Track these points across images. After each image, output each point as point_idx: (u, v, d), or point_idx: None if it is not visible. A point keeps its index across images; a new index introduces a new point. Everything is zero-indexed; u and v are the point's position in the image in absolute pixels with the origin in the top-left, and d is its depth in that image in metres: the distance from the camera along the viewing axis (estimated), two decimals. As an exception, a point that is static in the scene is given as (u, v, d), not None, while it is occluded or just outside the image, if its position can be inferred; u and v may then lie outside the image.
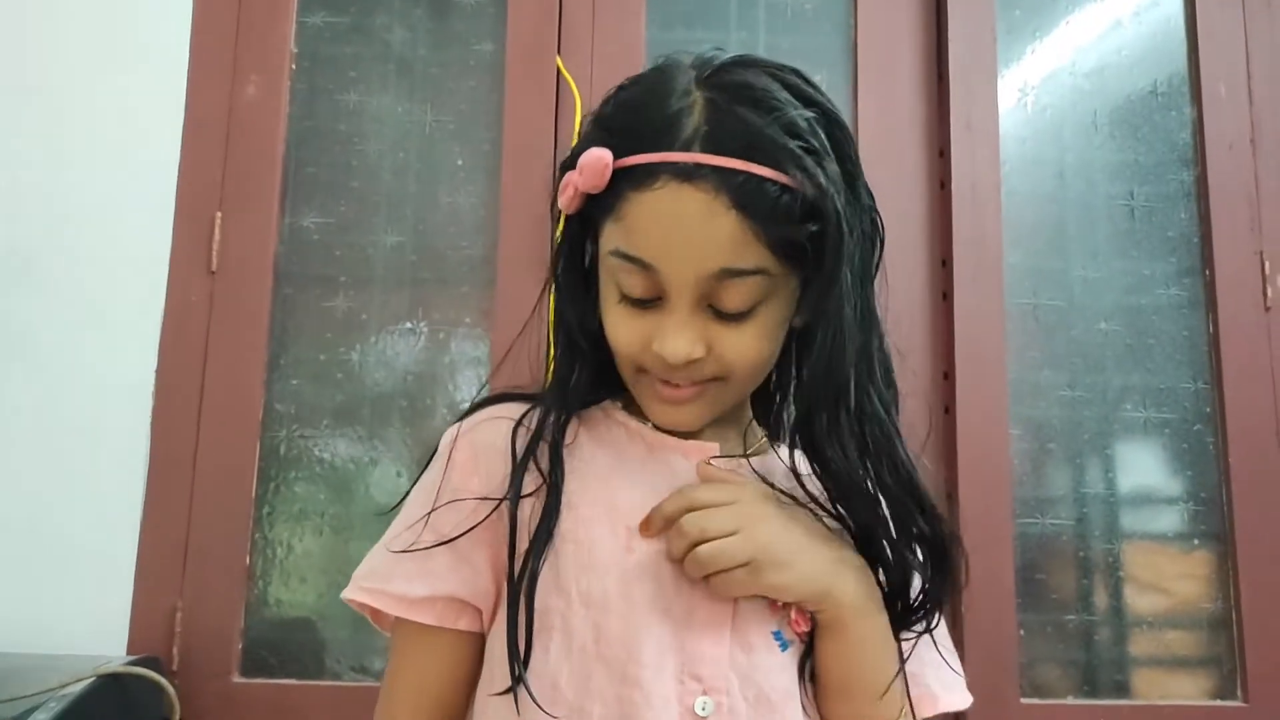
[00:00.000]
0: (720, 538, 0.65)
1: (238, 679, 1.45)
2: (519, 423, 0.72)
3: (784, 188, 0.64)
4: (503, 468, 0.71)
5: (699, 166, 0.64)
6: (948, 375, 1.57)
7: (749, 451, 0.74)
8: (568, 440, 0.73)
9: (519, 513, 0.69)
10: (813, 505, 0.71)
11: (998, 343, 1.57)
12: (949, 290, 1.58)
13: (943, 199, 1.62)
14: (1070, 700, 1.50)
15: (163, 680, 1.23)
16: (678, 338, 0.66)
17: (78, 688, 1.11)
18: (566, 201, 0.71)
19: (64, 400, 1.48)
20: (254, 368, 1.53)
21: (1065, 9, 1.69)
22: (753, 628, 0.68)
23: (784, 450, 0.75)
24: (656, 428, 0.74)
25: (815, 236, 0.66)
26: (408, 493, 0.76)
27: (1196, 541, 1.56)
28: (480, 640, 0.72)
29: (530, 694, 0.65)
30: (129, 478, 1.47)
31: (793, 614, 0.69)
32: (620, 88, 0.71)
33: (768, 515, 0.68)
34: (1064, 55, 1.68)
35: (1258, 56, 1.66)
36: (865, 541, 0.71)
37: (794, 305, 0.70)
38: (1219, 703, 1.51)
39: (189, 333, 1.52)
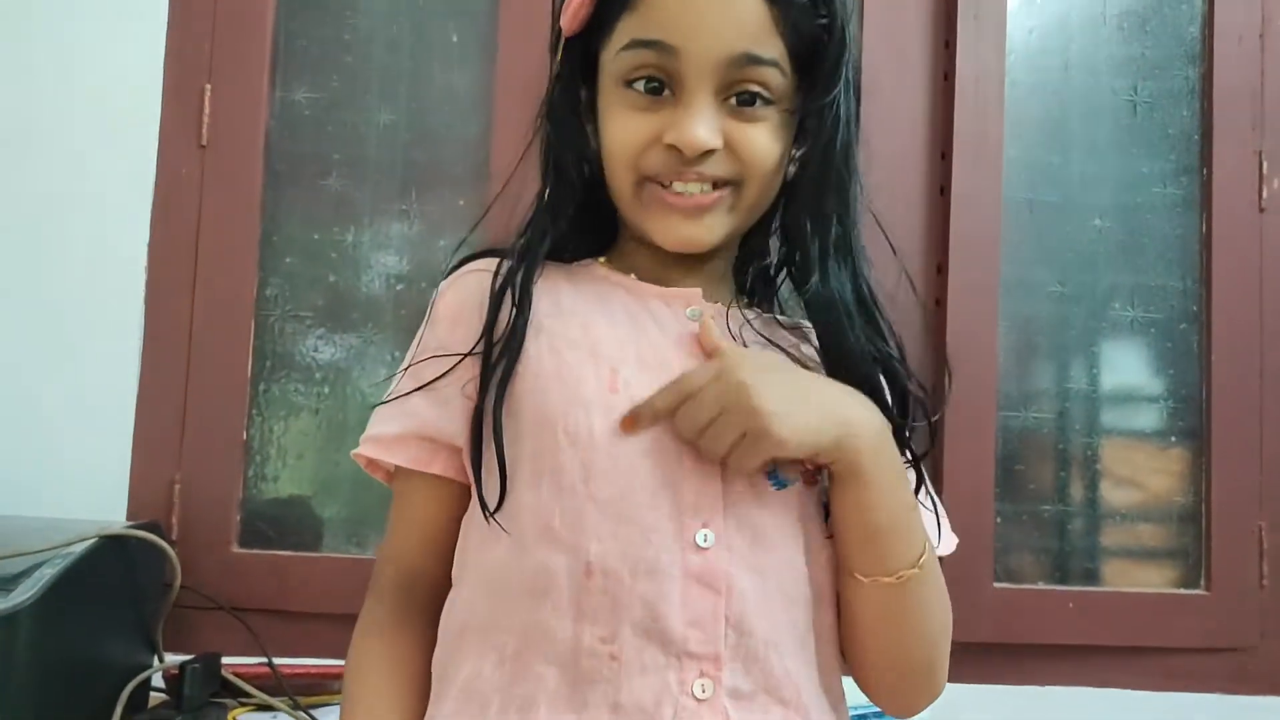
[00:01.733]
0: (714, 420, 0.65)
1: (236, 549, 1.49)
2: (498, 270, 0.73)
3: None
4: (482, 316, 0.71)
5: None
6: (941, 269, 1.58)
7: (731, 301, 0.75)
8: (546, 279, 0.73)
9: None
10: (796, 351, 0.73)
11: (993, 238, 1.57)
12: (946, 184, 1.58)
13: (946, 91, 1.60)
14: (1041, 585, 1.56)
15: (164, 544, 1.26)
16: (696, 123, 0.66)
17: (81, 547, 1.13)
18: (573, 13, 0.71)
19: (58, 273, 1.48)
20: (247, 244, 1.52)
21: (1081, -108, 1.64)
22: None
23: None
24: (639, 278, 0.74)
25: (822, 42, 0.69)
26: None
27: (1173, 439, 1.60)
28: (462, 489, 0.73)
29: (499, 525, 0.67)
30: (124, 351, 1.48)
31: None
32: None
33: (760, 375, 0.66)
34: (1076, -58, 1.63)
35: (1274, -51, 1.62)
36: (855, 379, 0.71)
37: (793, 132, 0.71)
38: (1183, 591, 1.57)
39: (181, 207, 1.51)
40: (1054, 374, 1.60)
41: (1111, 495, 1.59)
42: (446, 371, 0.72)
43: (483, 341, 0.71)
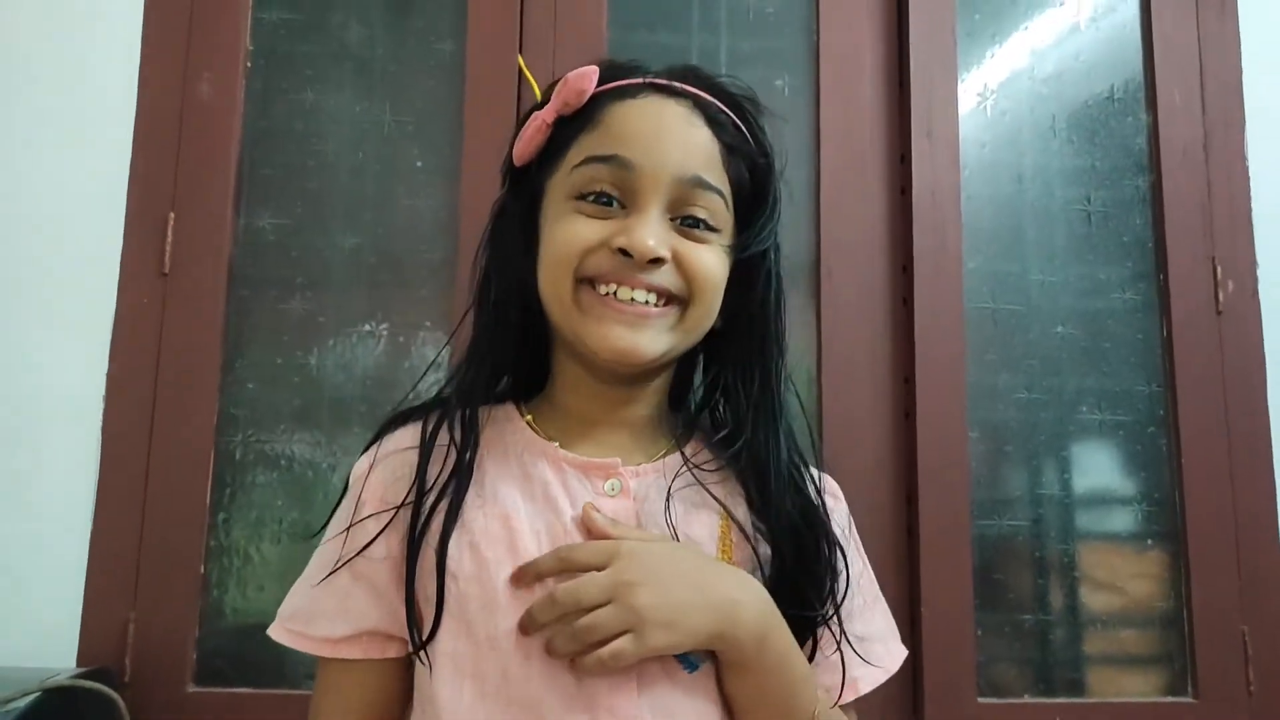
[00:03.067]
0: (596, 607, 0.64)
1: (192, 688, 1.43)
2: (425, 428, 0.72)
3: (740, 130, 0.72)
4: (411, 481, 0.70)
5: (682, 87, 0.72)
6: (908, 380, 1.58)
7: (655, 458, 0.73)
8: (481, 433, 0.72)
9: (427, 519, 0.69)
10: (725, 502, 0.71)
11: (958, 347, 1.58)
12: (909, 296, 1.59)
13: (903, 205, 1.63)
14: (1026, 699, 1.52)
15: (112, 693, 1.20)
16: (645, 231, 0.67)
17: (23, 703, 1.08)
18: (528, 139, 0.73)
19: (13, 405, 1.45)
20: (208, 372, 1.50)
21: (1024, 14, 1.71)
22: (655, 658, 0.66)
23: (692, 447, 0.74)
24: (563, 438, 0.72)
25: (761, 187, 0.73)
26: (328, 521, 0.75)
27: (1150, 541, 1.59)
28: (409, 662, 0.71)
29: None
30: (80, 485, 1.44)
31: None
32: None
33: (649, 565, 0.66)
34: (1023, 60, 1.70)
35: (1211, 65, 1.69)
36: (776, 529, 0.71)
37: (728, 271, 0.72)
38: (1170, 699, 1.54)
39: (141, 336, 1.49)
40: (1026, 480, 1.59)
41: (1092, 601, 1.57)
42: (365, 547, 0.70)
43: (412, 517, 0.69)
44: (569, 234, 0.69)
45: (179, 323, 1.50)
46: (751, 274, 0.74)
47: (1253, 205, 1.66)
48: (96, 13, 1.57)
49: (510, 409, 0.76)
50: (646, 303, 0.68)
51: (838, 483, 0.81)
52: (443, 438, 0.71)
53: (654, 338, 0.69)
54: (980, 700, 1.48)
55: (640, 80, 0.72)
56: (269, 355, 1.53)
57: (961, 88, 1.66)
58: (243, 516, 1.49)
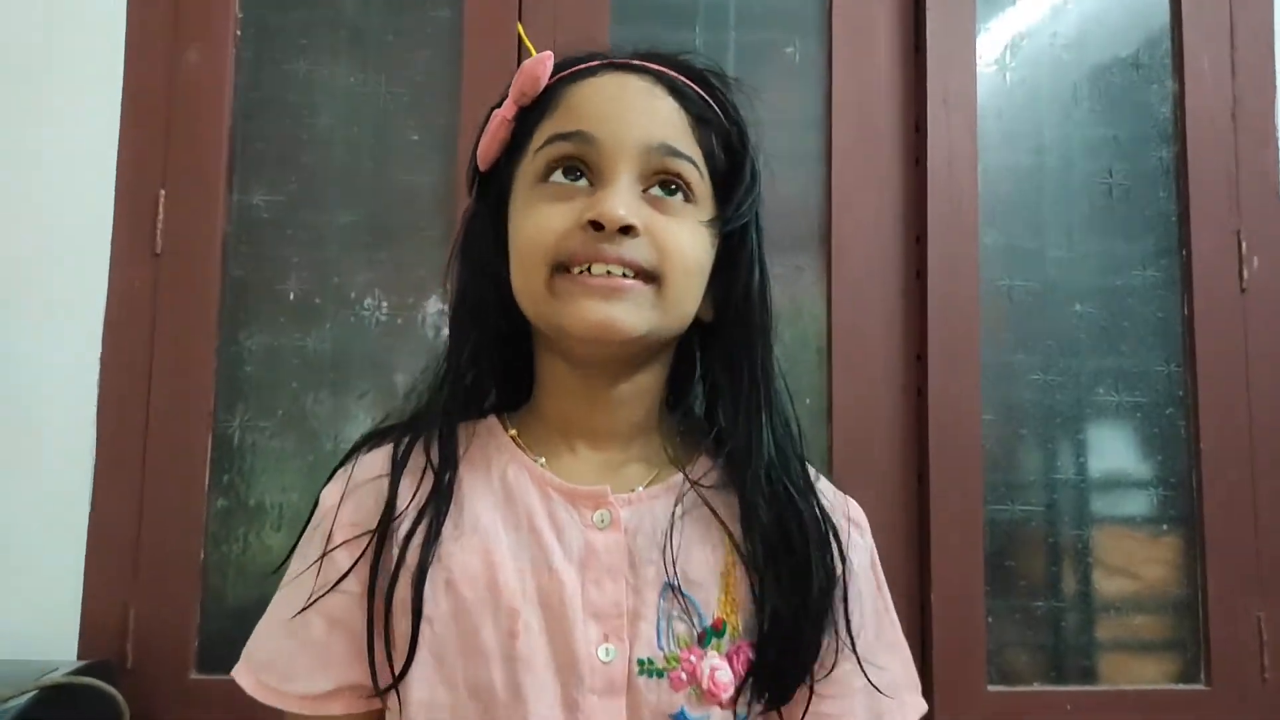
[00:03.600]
0: None
1: (195, 675, 1.42)
2: (398, 448, 0.67)
3: (707, 103, 0.69)
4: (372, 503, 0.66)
5: (640, 64, 0.69)
6: (920, 357, 1.54)
7: (648, 481, 0.68)
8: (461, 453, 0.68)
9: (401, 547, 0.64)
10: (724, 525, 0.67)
11: (972, 325, 1.54)
12: (922, 270, 1.54)
13: (918, 176, 1.57)
14: (1036, 687, 1.50)
15: (111, 690, 1.19)
16: (616, 200, 0.63)
17: (21, 701, 1.07)
18: (491, 137, 0.70)
19: (4, 393, 1.42)
20: (204, 355, 1.47)
21: (1047, -24, 1.63)
22: (648, 715, 0.63)
23: (699, 463, 0.69)
24: (549, 457, 0.68)
25: (735, 158, 0.69)
26: (290, 553, 0.70)
27: (1165, 526, 1.56)
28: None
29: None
30: (76, 472, 1.42)
31: (708, 676, 0.63)
32: None
33: None
34: (1043, 25, 1.62)
35: (1243, 28, 1.61)
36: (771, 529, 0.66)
37: (713, 251, 0.68)
38: (1182, 686, 1.51)
39: (134, 319, 1.46)
40: (1040, 463, 1.56)
41: (1105, 586, 1.55)
42: (337, 585, 0.65)
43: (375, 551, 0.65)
44: (538, 219, 0.65)
45: (173, 304, 1.47)
46: (735, 257, 0.69)
47: (1281, 177, 1.60)
48: (80, -20, 1.51)
49: (493, 423, 0.71)
50: (623, 275, 0.64)
51: (850, 470, 0.76)
52: (419, 459, 0.67)
53: (630, 310, 0.63)
54: (990, 689, 1.47)
55: (598, 62, 0.69)
56: (266, 337, 1.50)
57: (979, 54, 1.58)
58: (242, 501, 1.47)
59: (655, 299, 0.64)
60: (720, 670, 0.63)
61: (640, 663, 0.63)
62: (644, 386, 0.70)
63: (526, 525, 0.66)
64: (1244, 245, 1.57)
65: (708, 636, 0.64)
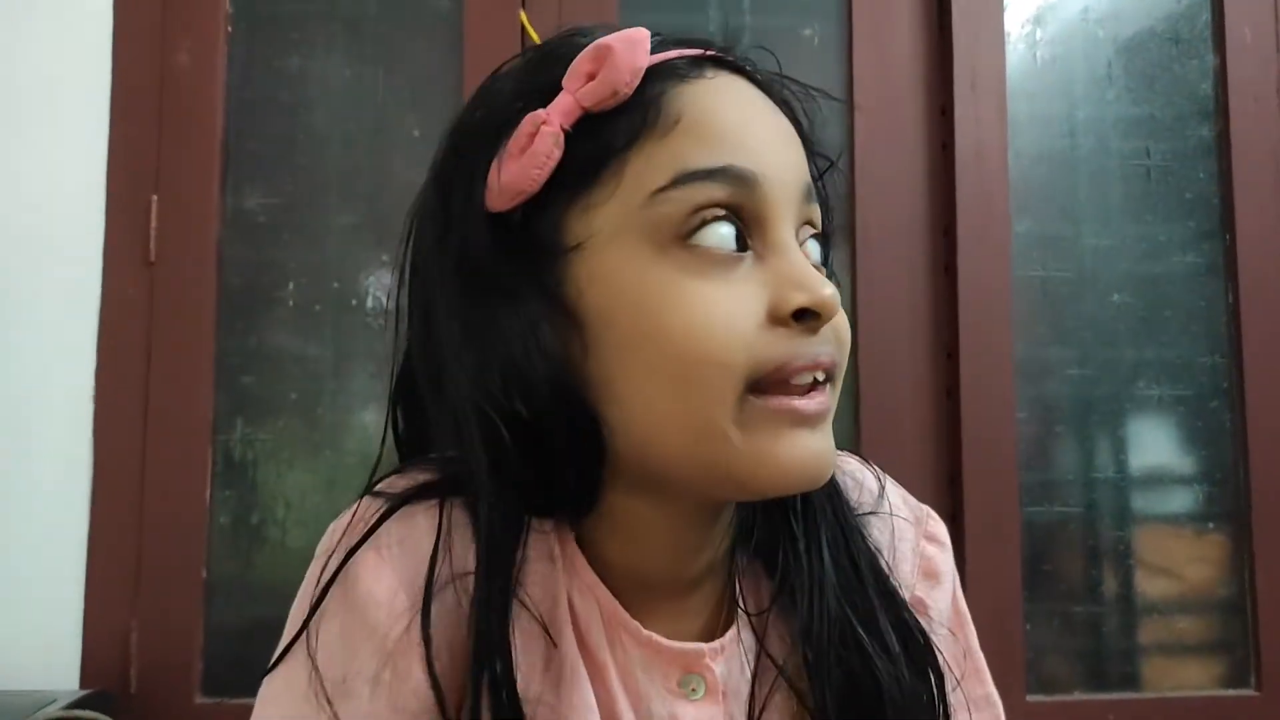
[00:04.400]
0: None
1: (200, 699, 1.37)
2: (434, 558, 0.47)
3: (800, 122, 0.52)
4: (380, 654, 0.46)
5: (746, 61, 0.50)
6: (951, 354, 1.46)
7: (725, 628, 0.52)
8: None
9: None
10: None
11: (1004, 319, 1.46)
12: (952, 262, 1.47)
13: (945, 162, 1.49)
14: (1077, 695, 1.43)
15: (110, 722, 1.14)
16: (813, 272, 0.46)
17: (18, 739, 1.02)
18: (533, 162, 0.46)
19: (-5, 410, 1.37)
20: (202, 365, 1.41)
21: (1078, -54, 1.55)
22: None
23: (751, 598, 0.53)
24: (623, 592, 0.50)
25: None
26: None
27: (1211, 524, 1.49)
28: None
29: None
30: (72, 492, 1.36)
31: None
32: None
33: None
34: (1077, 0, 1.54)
35: (1287, -4, 1.52)
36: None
37: None
38: (1230, 692, 1.45)
39: (129, 330, 1.40)
40: (1078, 461, 1.49)
41: (1147, 588, 1.48)
42: None
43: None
44: (716, 314, 0.44)
45: (168, 313, 1.41)
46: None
47: (1330, 154, 1.51)
48: (65, -24, 1.44)
49: (545, 532, 0.50)
50: (812, 387, 0.46)
51: (880, 467, 0.60)
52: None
53: (830, 439, 0.48)
54: (1029, 699, 1.40)
55: (701, 52, 0.49)
56: (266, 348, 1.44)
57: (1008, 33, 1.50)
58: (244, 517, 1.41)
59: (832, 400, 0.48)
60: None
61: None
62: (728, 521, 0.52)
63: (602, 699, 0.49)
64: (1291, 227, 1.49)
65: None
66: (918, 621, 0.53)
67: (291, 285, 1.44)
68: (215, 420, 1.41)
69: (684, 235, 0.45)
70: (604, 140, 0.47)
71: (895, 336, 1.47)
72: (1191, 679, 1.47)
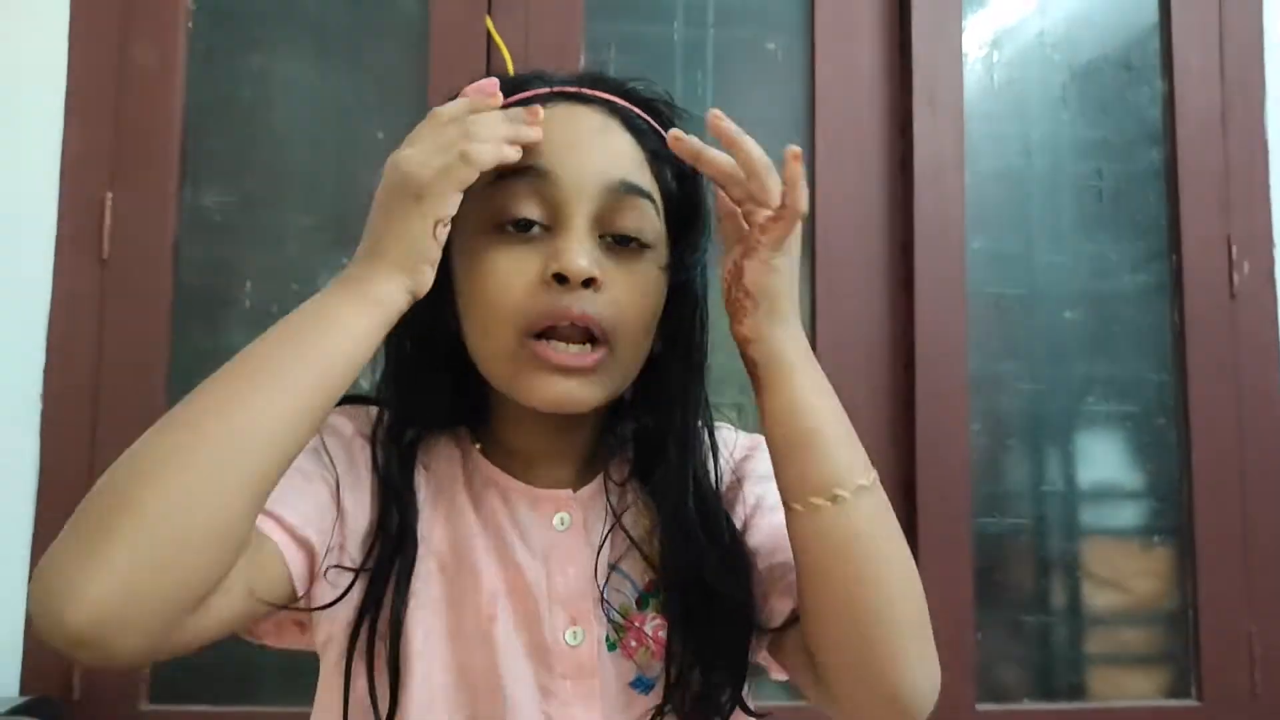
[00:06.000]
0: None
1: (147, 706, 1.34)
2: (373, 423, 0.68)
3: (660, 136, 0.65)
4: (343, 456, 0.66)
5: (592, 94, 0.66)
6: (908, 367, 1.49)
7: (589, 480, 0.71)
8: (429, 477, 0.69)
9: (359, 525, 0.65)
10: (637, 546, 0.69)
11: (959, 333, 1.49)
12: (909, 277, 1.49)
13: (904, 179, 1.52)
14: (1026, 704, 1.46)
15: (54, 731, 1.11)
16: (579, 251, 0.62)
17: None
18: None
19: (-64, 409, 1.33)
20: (154, 367, 1.38)
21: (1035, -28, 1.59)
22: (614, 689, 0.66)
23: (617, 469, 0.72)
24: (513, 469, 0.70)
25: (689, 192, 0.68)
26: None
27: (1156, 537, 1.52)
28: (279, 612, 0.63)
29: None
30: (17, 493, 1.33)
31: (651, 635, 0.67)
32: None
33: None
34: (1031, 23, 1.58)
35: (1231, 27, 1.57)
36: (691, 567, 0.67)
37: (664, 297, 0.67)
38: (1172, 702, 1.48)
39: (79, 329, 1.37)
40: (1029, 474, 1.52)
41: (1095, 599, 1.51)
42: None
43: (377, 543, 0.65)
44: (502, 278, 0.63)
45: (121, 313, 1.39)
46: (683, 292, 0.69)
47: (1271, 181, 1.56)
48: (20, -32, 1.42)
49: (458, 439, 0.72)
50: (580, 350, 0.63)
51: None
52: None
53: (588, 386, 0.64)
54: (979, 707, 1.42)
55: (547, 90, 0.66)
56: (220, 347, 1.41)
57: (966, 54, 1.54)
58: (197, 522, 1.39)
59: (610, 364, 0.64)
60: (662, 628, 0.67)
61: (605, 640, 0.66)
62: (593, 417, 0.71)
63: (493, 525, 0.68)
64: (1234, 250, 1.53)
65: (644, 600, 0.68)
66: (732, 523, 0.70)
67: (249, 286, 1.43)
68: (168, 422, 1.38)
69: (497, 223, 0.63)
70: None
71: (853, 348, 1.49)
72: (1136, 689, 1.50)
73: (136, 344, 1.38)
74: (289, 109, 1.46)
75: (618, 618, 0.67)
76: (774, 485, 0.64)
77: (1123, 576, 1.51)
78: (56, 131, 1.39)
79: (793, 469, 0.62)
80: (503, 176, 0.62)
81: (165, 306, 1.40)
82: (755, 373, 0.63)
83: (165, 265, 1.40)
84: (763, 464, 0.70)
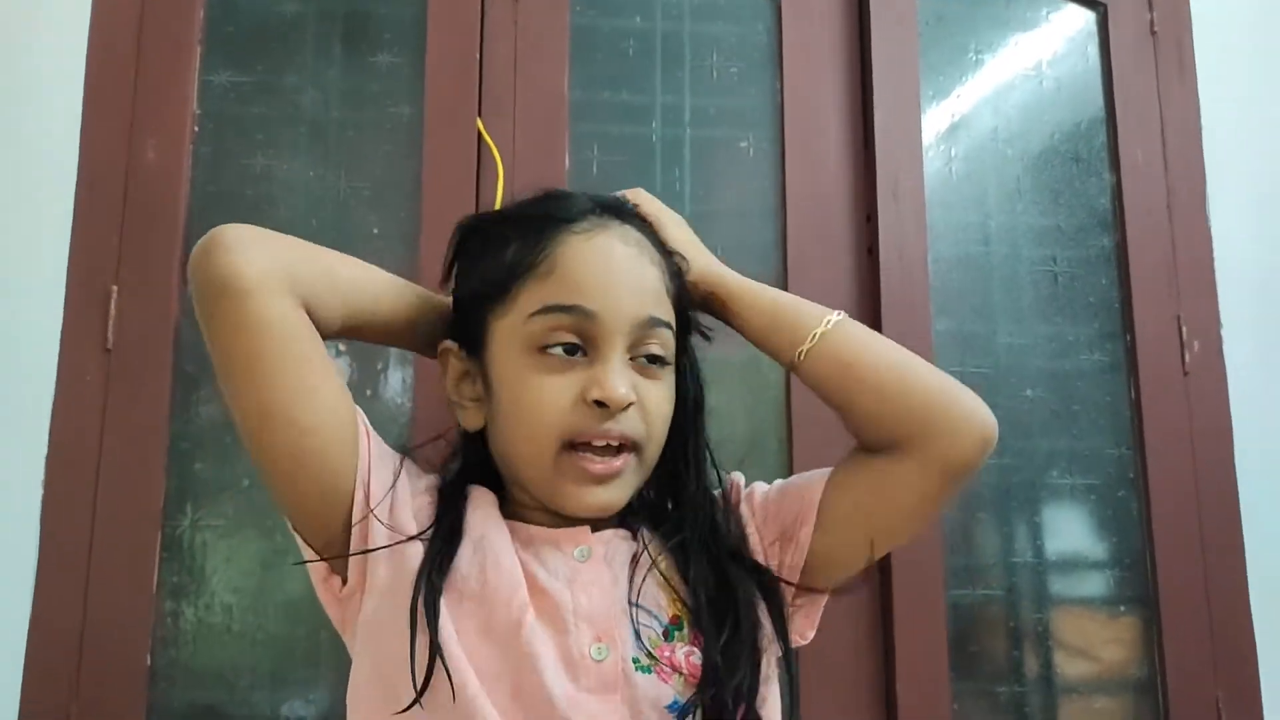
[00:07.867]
0: None
1: (143, 751, 1.36)
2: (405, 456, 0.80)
3: (669, 255, 0.80)
4: (411, 465, 0.80)
5: (624, 205, 0.80)
6: (878, 444, 1.55)
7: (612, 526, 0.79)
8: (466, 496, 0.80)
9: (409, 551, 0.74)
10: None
11: (927, 411, 1.55)
12: (878, 358, 1.57)
13: (870, 264, 1.61)
14: (1003, 775, 1.49)
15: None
16: (619, 379, 0.72)
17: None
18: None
19: (-58, 494, 1.37)
20: (154, 452, 1.43)
21: (988, 77, 1.70)
22: (646, 708, 0.71)
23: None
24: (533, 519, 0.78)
25: (683, 295, 0.80)
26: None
27: (1123, 607, 1.57)
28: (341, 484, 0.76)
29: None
30: (18, 572, 1.36)
31: (684, 662, 0.72)
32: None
33: None
34: (985, 120, 1.69)
35: (1172, 123, 1.69)
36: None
37: (674, 392, 0.79)
38: (1146, 769, 1.52)
39: (83, 416, 1.42)
40: (999, 546, 1.57)
41: (1067, 668, 1.55)
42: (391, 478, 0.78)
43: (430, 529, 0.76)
44: (545, 396, 0.72)
45: (123, 400, 1.44)
46: (682, 376, 0.81)
47: (1215, 264, 1.66)
48: (37, 73, 1.51)
49: (488, 499, 0.80)
50: (618, 452, 0.74)
51: None
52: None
53: (620, 488, 0.75)
54: (957, 778, 1.46)
55: (578, 208, 0.78)
56: (218, 434, 1.46)
57: (926, 148, 1.64)
58: (191, 604, 1.42)
59: (637, 465, 0.76)
60: (694, 654, 0.73)
61: (634, 660, 0.72)
62: None
63: (518, 555, 0.75)
64: (1184, 330, 1.62)
65: (670, 633, 0.74)
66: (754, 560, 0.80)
67: (247, 373, 1.48)
68: (166, 506, 1.43)
69: (540, 346, 0.74)
70: (502, 264, 0.76)
71: (823, 435, 1.54)
72: (1110, 757, 1.54)
73: (137, 429, 1.43)
74: (289, 205, 1.53)
75: (649, 647, 0.73)
76: (763, 484, 0.81)
77: (1092, 645, 1.56)
78: (65, 226, 1.46)
79: (780, 336, 0.79)
80: (547, 310, 0.73)
81: (166, 395, 1.44)
82: (715, 298, 0.81)
83: (167, 355, 1.45)
84: (755, 488, 0.85)
